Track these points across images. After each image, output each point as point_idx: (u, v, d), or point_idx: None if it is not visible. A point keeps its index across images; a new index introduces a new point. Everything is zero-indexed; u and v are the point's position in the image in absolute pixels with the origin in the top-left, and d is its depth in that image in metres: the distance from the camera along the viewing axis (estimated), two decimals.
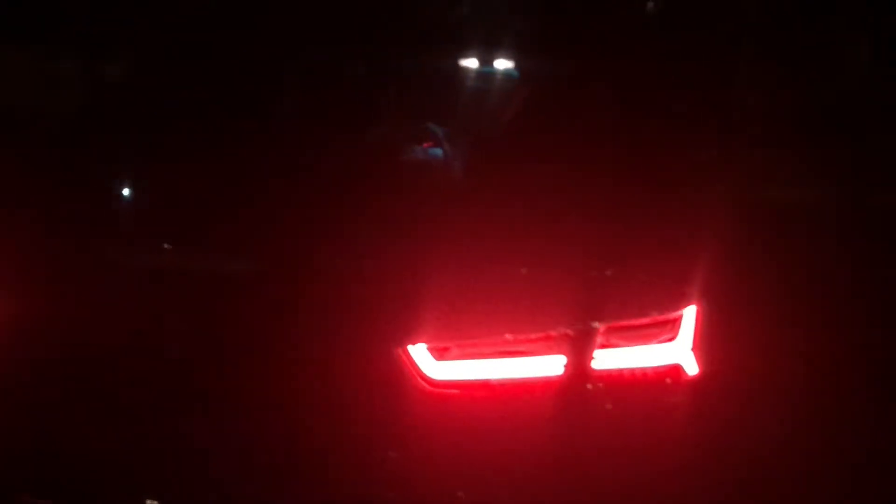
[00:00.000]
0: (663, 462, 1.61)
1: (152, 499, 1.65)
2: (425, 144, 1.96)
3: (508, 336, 1.60)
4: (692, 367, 1.63)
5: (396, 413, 1.61)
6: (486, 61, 2.11)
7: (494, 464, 1.59)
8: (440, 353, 1.60)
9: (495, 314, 1.61)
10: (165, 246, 1.78)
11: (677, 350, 1.62)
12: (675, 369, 1.62)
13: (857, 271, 1.88)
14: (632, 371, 1.61)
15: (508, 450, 1.60)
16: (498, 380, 1.61)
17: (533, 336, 1.60)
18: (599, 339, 1.60)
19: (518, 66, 2.09)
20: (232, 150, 1.89)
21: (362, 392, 1.61)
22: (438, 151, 1.96)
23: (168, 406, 1.63)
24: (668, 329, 1.62)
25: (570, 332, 1.59)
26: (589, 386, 1.58)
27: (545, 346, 1.59)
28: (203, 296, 1.62)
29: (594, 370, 1.59)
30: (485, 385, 1.60)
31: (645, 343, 1.62)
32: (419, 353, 1.60)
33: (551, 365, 1.60)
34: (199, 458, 1.64)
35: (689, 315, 1.63)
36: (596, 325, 1.58)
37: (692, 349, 1.63)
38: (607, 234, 1.66)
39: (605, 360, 1.60)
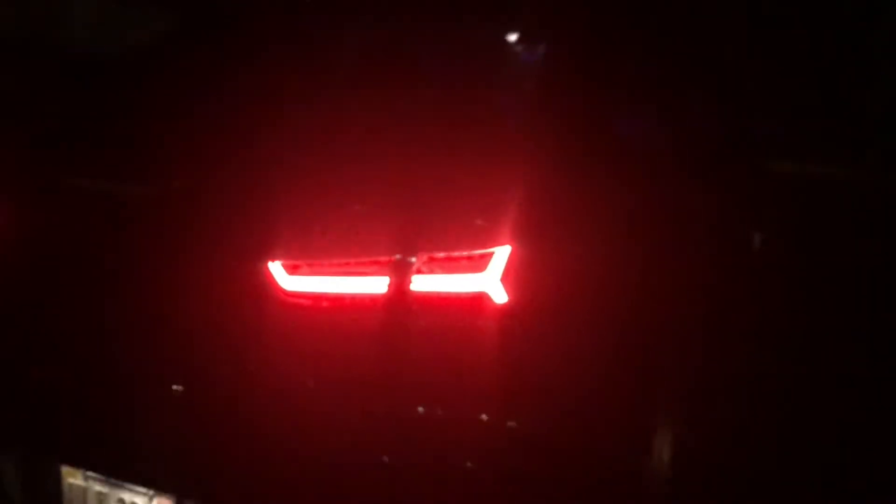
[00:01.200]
0: (466, 368, 1.97)
1: None
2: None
3: (345, 259, 1.99)
4: (500, 296, 1.97)
5: (259, 315, 2.04)
6: None
7: (331, 354, 2.00)
8: (292, 270, 2.01)
9: (337, 241, 2.01)
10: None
11: (486, 280, 1.96)
12: (484, 296, 1.96)
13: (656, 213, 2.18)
14: (446, 295, 1.97)
15: (343, 345, 2.00)
16: (336, 293, 2.00)
17: (364, 260, 1.98)
18: (419, 266, 1.96)
19: None
20: None
21: (233, 297, 2.05)
22: None
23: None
24: (480, 263, 1.96)
25: (393, 258, 1.96)
26: (407, 301, 1.96)
27: (374, 269, 1.97)
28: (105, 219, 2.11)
29: (412, 291, 1.96)
30: (326, 297, 2.01)
31: (459, 273, 1.97)
32: (276, 269, 2.02)
33: (378, 284, 1.98)
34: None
35: (501, 252, 1.96)
36: (414, 258, 1.95)
37: (500, 280, 1.97)
38: (436, 178, 2.00)
39: (423, 284, 1.97)
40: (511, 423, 2.00)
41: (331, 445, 2.02)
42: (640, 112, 2.44)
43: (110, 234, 2.21)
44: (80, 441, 2.29)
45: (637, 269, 2.20)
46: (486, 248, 1.96)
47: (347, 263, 2.00)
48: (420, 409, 1.99)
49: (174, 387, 2.14)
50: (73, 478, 2.32)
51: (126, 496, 2.27)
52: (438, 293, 1.97)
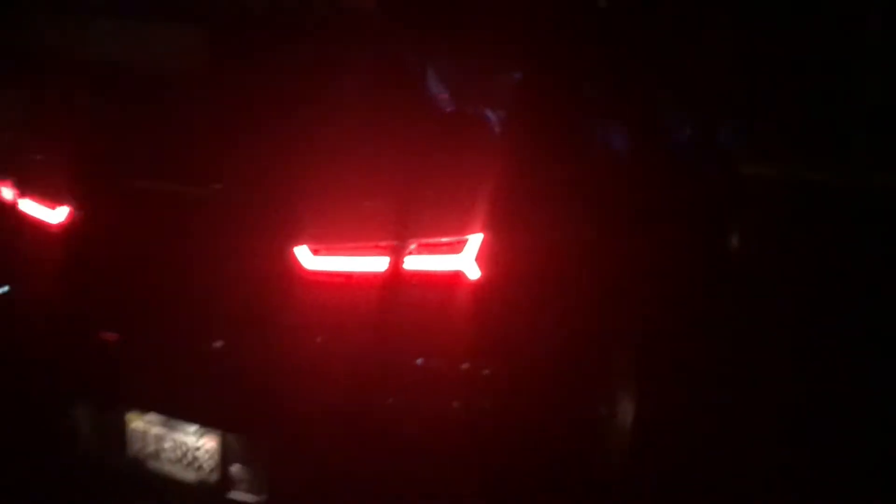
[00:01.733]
0: (449, 329, 2.56)
1: None
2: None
3: (354, 244, 2.58)
4: (474, 273, 2.56)
5: (287, 287, 2.62)
6: None
7: (343, 317, 2.58)
8: (314, 253, 2.60)
9: (347, 230, 2.59)
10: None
11: (463, 261, 2.55)
12: (461, 273, 2.55)
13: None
14: (432, 272, 2.56)
15: (352, 311, 2.58)
16: (348, 271, 2.59)
17: (369, 245, 2.57)
18: (411, 249, 2.55)
19: None
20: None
21: (267, 273, 2.63)
22: None
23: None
24: (458, 247, 2.55)
25: (391, 243, 2.54)
26: (400, 277, 2.54)
27: (377, 251, 2.56)
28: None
29: (405, 270, 2.55)
30: (340, 273, 2.60)
31: (442, 255, 2.56)
32: (301, 252, 2.60)
33: (380, 263, 2.56)
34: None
35: (475, 239, 2.55)
36: (407, 243, 2.53)
37: (475, 260, 2.55)
38: (424, 182, 2.59)
39: (414, 263, 2.55)
40: (485, 370, 2.60)
41: (344, 388, 2.61)
42: (580, 129, 3.04)
43: (168, 223, 2.79)
44: (143, 391, 2.86)
45: (577, 251, 2.80)
46: (462, 235, 2.55)
47: (356, 247, 2.59)
48: (416, 360, 2.58)
49: (215, 343, 2.72)
50: (136, 423, 2.90)
51: (178, 436, 2.84)
52: (426, 271, 2.56)
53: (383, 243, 2.56)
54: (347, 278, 2.60)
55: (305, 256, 2.61)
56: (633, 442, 3.43)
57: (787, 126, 9.36)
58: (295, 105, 2.82)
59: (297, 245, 2.61)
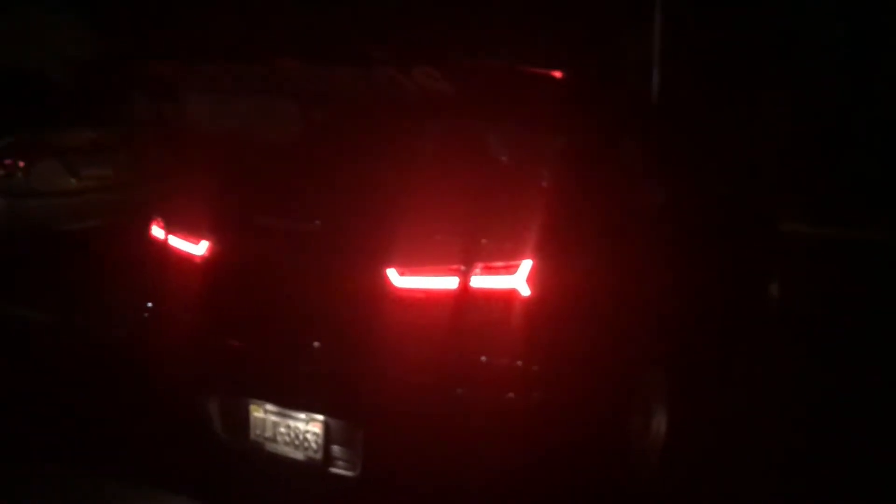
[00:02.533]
0: (507, 334, 3.27)
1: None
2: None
3: (433, 267, 3.31)
4: (525, 291, 3.27)
5: (383, 296, 3.36)
6: None
7: (424, 323, 3.31)
8: (402, 273, 3.34)
9: (427, 257, 3.33)
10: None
11: (517, 280, 3.27)
12: (515, 291, 3.27)
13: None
14: (492, 289, 3.28)
15: (429, 320, 3.31)
16: (428, 288, 3.33)
17: (443, 267, 3.30)
18: (477, 271, 3.27)
19: None
20: None
21: (369, 287, 3.38)
22: None
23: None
24: (513, 270, 3.27)
25: (460, 267, 3.27)
26: (468, 293, 3.26)
27: (449, 272, 3.29)
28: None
29: (471, 287, 3.27)
30: (422, 290, 3.33)
31: (500, 275, 3.28)
32: (392, 273, 3.35)
33: (452, 282, 3.29)
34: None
35: (526, 264, 3.27)
36: (473, 266, 3.26)
37: (526, 281, 3.27)
38: (486, 220, 3.32)
39: (478, 282, 3.28)
40: (535, 367, 3.29)
41: (423, 381, 3.32)
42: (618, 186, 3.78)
43: (284, 251, 3.58)
44: (263, 387, 3.61)
45: (613, 280, 3.50)
46: (516, 261, 3.27)
47: (433, 270, 3.32)
48: (481, 357, 3.29)
49: (321, 347, 3.47)
50: (257, 412, 3.65)
51: (291, 422, 3.58)
52: (488, 288, 3.28)
53: (455, 266, 3.29)
54: (426, 293, 3.34)
55: (394, 276, 3.36)
56: (662, 449, 4.03)
57: (840, 187, 9.82)
58: (387, 162, 3.61)
59: (388, 267, 3.36)
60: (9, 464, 3.91)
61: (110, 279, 6.27)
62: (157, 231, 4.01)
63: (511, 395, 3.30)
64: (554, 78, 3.33)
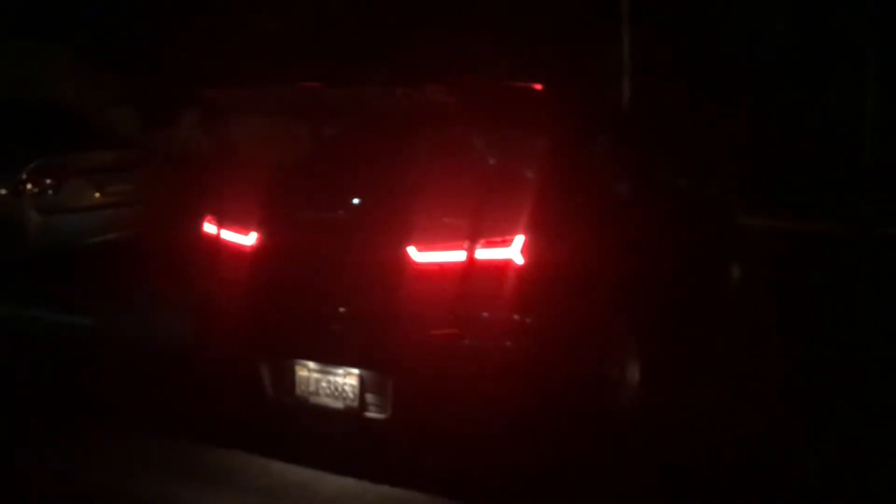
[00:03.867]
0: (506, 294, 4.09)
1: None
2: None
3: (445, 243, 4.14)
4: (519, 260, 4.10)
5: (401, 272, 4.18)
6: None
7: (439, 290, 4.13)
8: (420, 250, 4.17)
9: (440, 235, 4.16)
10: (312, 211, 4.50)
11: (511, 252, 4.10)
12: (511, 260, 4.09)
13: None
14: (494, 260, 4.11)
15: (445, 286, 4.12)
16: (441, 261, 4.15)
17: (454, 244, 4.13)
18: (480, 245, 4.10)
19: None
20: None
21: (395, 262, 4.19)
22: None
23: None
24: (509, 243, 4.10)
25: (466, 243, 4.10)
26: (474, 263, 4.09)
27: (459, 247, 4.12)
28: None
29: (476, 259, 4.10)
30: (436, 263, 4.16)
31: (499, 248, 4.10)
32: (412, 250, 4.18)
33: (460, 255, 4.12)
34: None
35: (519, 238, 4.10)
36: (479, 242, 4.08)
37: (521, 252, 4.09)
38: (487, 203, 4.14)
39: (481, 254, 4.10)
40: (528, 320, 4.12)
41: (438, 335, 4.13)
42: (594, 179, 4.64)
43: (322, 236, 4.41)
44: (307, 349, 4.42)
45: (587, 247, 4.35)
46: (511, 235, 4.10)
47: (446, 246, 4.15)
48: (484, 314, 4.11)
49: (356, 313, 4.28)
50: (302, 371, 4.44)
51: (331, 377, 4.38)
52: (489, 259, 4.11)
53: (462, 242, 4.12)
54: (440, 265, 4.16)
55: (414, 252, 4.18)
56: (635, 393, 4.85)
57: (794, 181, 10.72)
58: (404, 163, 4.46)
59: (409, 245, 4.18)
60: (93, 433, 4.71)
61: (153, 279, 7.11)
62: (209, 227, 4.81)
63: (508, 342, 4.12)
64: (535, 90, 4.16)
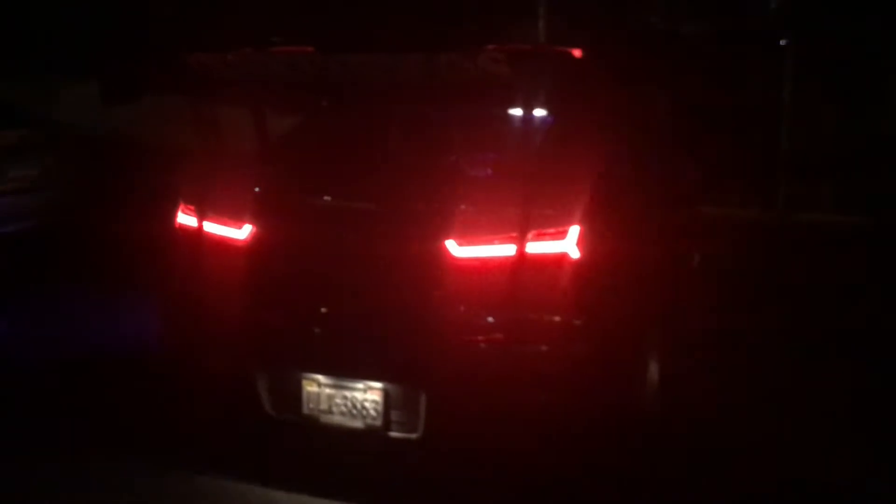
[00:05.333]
0: (558, 291, 3.58)
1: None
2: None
3: (490, 236, 3.59)
4: (574, 253, 3.59)
5: (442, 266, 3.60)
6: None
7: (483, 288, 3.57)
8: (460, 244, 3.60)
9: (485, 227, 3.60)
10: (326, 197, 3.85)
11: (566, 245, 3.58)
12: (566, 254, 3.58)
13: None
14: (545, 253, 3.58)
15: (489, 284, 3.57)
16: (486, 256, 3.60)
17: (501, 237, 3.58)
18: (531, 238, 3.56)
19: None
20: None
21: (428, 258, 3.61)
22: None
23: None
24: (563, 235, 3.59)
25: (515, 235, 3.56)
26: (524, 258, 3.55)
27: (506, 241, 3.57)
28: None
29: (527, 252, 3.56)
30: (479, 258, 3.60)
31: (552, 241, 3.59)
32: (451, 244, 3.60)
33: (510, 249, 3.57)
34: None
35: (574, 230, 3.59)
36: (528, 233, 3.55)
37: (576, 245, 3.59)
38: (540, 193, 3.60)
39: (533, 247, 3.57)
40: (584, 323, 3.62)
41: (479, 340, 3.58)
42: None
43: (339, 227, 3.76)
44: (316, 359, 3.77)
45: (633, 240, 3.89)
46: (566, 226, 3.59)
47: (492, 239, 3.60)
48: (534, 316, 3.58)
49: (382, 315, 3.67)
50: (310, 386, 3.79)
51: (347, 392, 3.75)
52: (542, 253, 3.58)
53: (511, 234, 3.57)
54: (484, 261, 3.60)
55: (454, 247, 3.61)
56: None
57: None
58: (437, 143, 3.88)
59: (447, 238, 3.61)
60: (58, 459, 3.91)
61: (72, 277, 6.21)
62: (186, 218, 4.08)
63: (562, 349, 3.62)
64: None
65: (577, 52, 3.68)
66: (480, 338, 3.62)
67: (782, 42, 11.14)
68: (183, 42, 4.11)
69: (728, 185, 10.78)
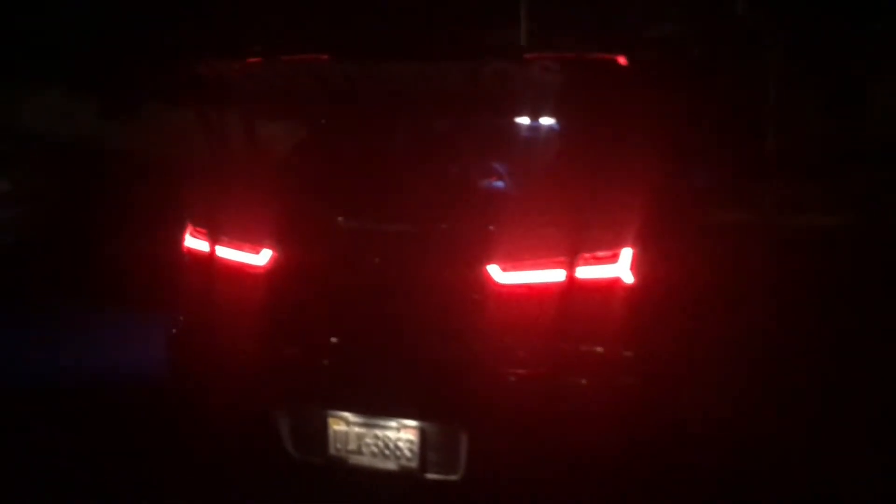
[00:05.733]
0: (610, 321, 3.29)
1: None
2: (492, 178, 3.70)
3: (537, 261, 3.29)
4: (628, 278, 3.31)
5: (484, 293, 3.30)
6: None
7: (528, 318, 3.28)
8: (504, 269, 3.30)
9: (530, 251, 3.31)
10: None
11: (619, 269, 3.30)
12: (618, 279, 3.30)
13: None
14: (597, 278, 3.30)
15: (536, 312, 3.28)
16: (532, 282, 3.30)
17: (547, 260, 3.29)
18: (581, 262, 3.28)
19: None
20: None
21: (469, 285, 3.31)
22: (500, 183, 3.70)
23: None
24: (616, 258, 3.31)
25: (564, 259, 3.27)
26: (573, 284, 3.27)
27: (554, 265, 3.28)
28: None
29: (576, 278, 3.28)
30: (524, 285, 3.30)
31: (604, 265, 3.30)
32: (494, 270, 3.30)
33: (558, 275, 3.29)
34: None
35: (627, 252, 3.31)
36: (578, 257, 3.27)
37: (629, 269, 3.31)
38: (590, 214, 3.32)
39: (583, 272, 3.29)
40: (638, 353, 3.34)
41: (527, 374, 3.29)
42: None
43: (370, 252, 3.44)
44: (344, 396, 3.45)
45: (695, 262, 3.62)
46: (618, 248, 3.31)
47: (537, 263, 3.31)
48: (584, 347, 3.30)
49: (418, 349, 3.37)
50: (337, 424, 3.48)
51: (379, 432, 3.44)
52: (593, 278, 3.30)
53: (559, 258, 3.29)
54: (530, 288, 3.31)
55: (497, 273, 3.31)
56: None
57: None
58: (477, 160, 3.59)
59: (488, 264, 3.31)
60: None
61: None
62: (195, 242, 3.74)
63: (616, 382, 3.34)
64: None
65: (622, 60, 3.41)
66: (526, 371, 3.33)
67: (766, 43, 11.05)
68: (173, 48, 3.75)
69: (717, 189, 10.67)
